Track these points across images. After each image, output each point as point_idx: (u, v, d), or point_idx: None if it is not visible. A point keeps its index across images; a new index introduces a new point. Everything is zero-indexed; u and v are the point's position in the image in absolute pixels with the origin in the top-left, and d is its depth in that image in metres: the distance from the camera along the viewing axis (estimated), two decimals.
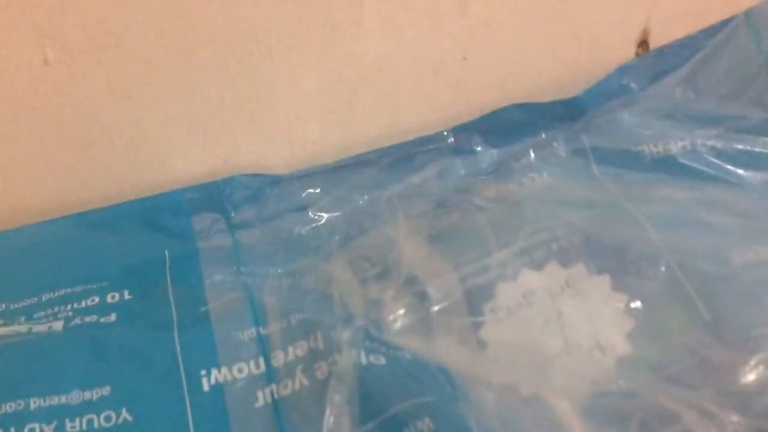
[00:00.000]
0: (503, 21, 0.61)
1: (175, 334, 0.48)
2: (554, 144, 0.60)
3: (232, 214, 0.56)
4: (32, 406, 0.43)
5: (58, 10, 0.54)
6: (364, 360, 0.46)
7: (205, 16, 0.57)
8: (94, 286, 0.51)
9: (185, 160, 0.60)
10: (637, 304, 0.48)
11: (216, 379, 0.47)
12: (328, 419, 0.44)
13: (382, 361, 0.46)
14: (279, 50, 0.59)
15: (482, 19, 0.62)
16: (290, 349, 0.48)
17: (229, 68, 0.59)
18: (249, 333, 0.49)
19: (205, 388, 0.46)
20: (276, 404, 0.46)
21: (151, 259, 0.53)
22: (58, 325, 0.47)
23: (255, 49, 0.59)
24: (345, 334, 0.47)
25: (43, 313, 0.49)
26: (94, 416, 0.44)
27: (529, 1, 0.63)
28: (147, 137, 0.58)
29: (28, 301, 0.50)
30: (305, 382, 0.47)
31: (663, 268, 0.49)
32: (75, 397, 0.44)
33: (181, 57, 0.57)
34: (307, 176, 0.58)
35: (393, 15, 0.61)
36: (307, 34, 0.59)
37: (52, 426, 0.43)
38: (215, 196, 0.57)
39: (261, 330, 0.49)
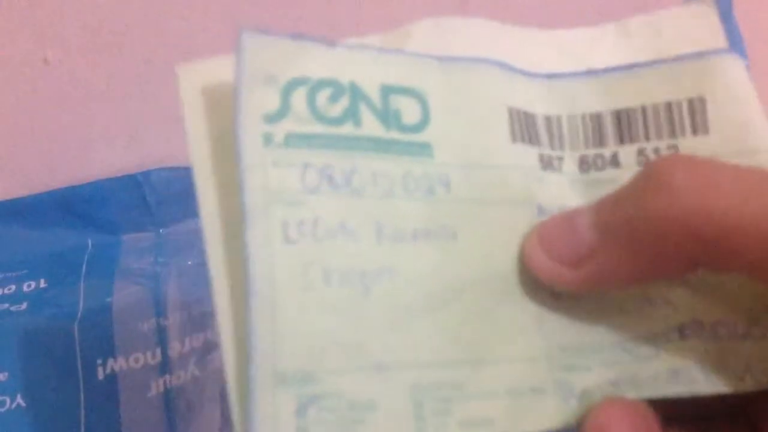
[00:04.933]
0: (503, 21, 0.57)
1: (76, 323, 0.46)
2: None
3: (156, 207, 0.54)
4: None
5: (58, 10, 0.54)
6: None
7: (205, 16, 0.56)
8: (14, 275, 0.50)
9: (185, 160, 0.58)
10: None
11: (112, 368, 0.45)
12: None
13: None
14: None
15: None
16: (187, 340, 0.46)
17: None
18: (149, 324, 0.47)
19: (100, 376, 0.45)
20: (167, 394, 0.45)
21: (73, 249, 0.51)
22: None
23: None
24: None
25: None
26: None
27: (529, 1, 0.59)
28: (147, 137, 0.57)
29: None
30: (197, 373, 0.45)
31: None
32: None
33: (182, 57, 0.55)
34: None
35: (393, 14, 0.58)
36: (306, 32, 0.56)
37: None
38: (138, 189, 0.54)
39: (161, 321, 0.47)
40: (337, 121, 0.28)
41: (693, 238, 0.24)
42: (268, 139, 0.27)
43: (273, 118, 0.27)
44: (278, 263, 0.26)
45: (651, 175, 0.25)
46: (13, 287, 0.49)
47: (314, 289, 0.26)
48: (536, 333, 0.28)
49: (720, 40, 0.32)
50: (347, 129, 0.28)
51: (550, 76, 0.31)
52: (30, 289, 0.49)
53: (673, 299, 0.29)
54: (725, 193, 0.24)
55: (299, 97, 0.28)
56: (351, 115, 0.28)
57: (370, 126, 0.28)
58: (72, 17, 0.54)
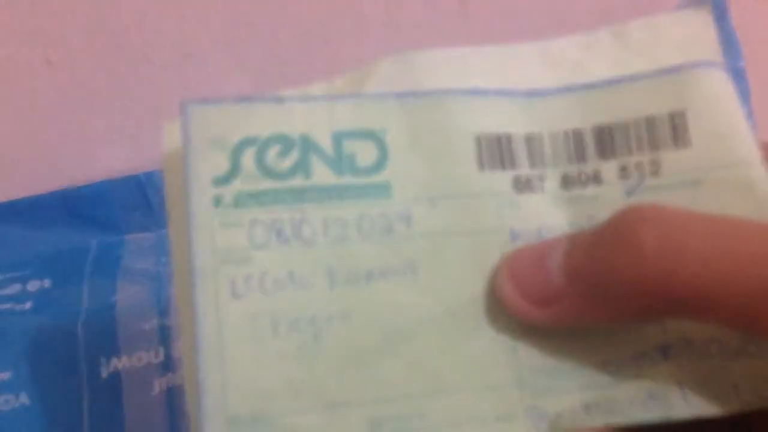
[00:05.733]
0: (504, 21, 0.57)
1: (80, 322, 0.46)
2: None
3: (159, 207, 0.54)
4: None
5: (61, 11, 0.54)
6: None
7: (206, 16, 0.56)
8: (18, 274, 0.50)
9: None
10: None
11: (115, 366, 0.45)
12: None
13: None
14: (280, 50, 0.57)
15: (483, 19, 0.58)
16: None
17: (230, 68, 0.57)
18: (152, 323, 0.47)
19: (104, 375, 0.45)
20: (170, 392, 0.45)
21: (76, 249, 0.52)
22: None
23: (256, 49, 0.57)
24: None
25: None
26: None
27: (530, 1, 0.58)
28: (149, 137, 0.57)
29: None
30: None
31: None
32: None
33: (182, 57, 0.56)
34: None
35: (394, 16, 0.58)
36: (307, 33, 0.56)
37: None
38: (141, 189, 0.54)
39: (164, 320, 0.47)
40: (287, 175, 0.29)
41: (661, 300, 0.25)
42: (218, 201, 0.28)
43: (222, 181, 0.28)
44: (225, 319, 0.27)
45: (622, 235, 0.25)
46: (18, 287, 0.49)
47: (262, 340, 0.27)
48: (508, 360, 0.29)
49: (715, 49, 0.32)
50: (297, 181, 0.29)
51: (530, 94, 0.31)
52: (34, 288, 0.49)
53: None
54: (693, 255, 0.24)
55: (248, 157, 0.29)
56: (301, 167, 0.29)
57: (321, 175, 0.29)
58: (74, 18, 0.54)
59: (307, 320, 0.28)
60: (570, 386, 0.28)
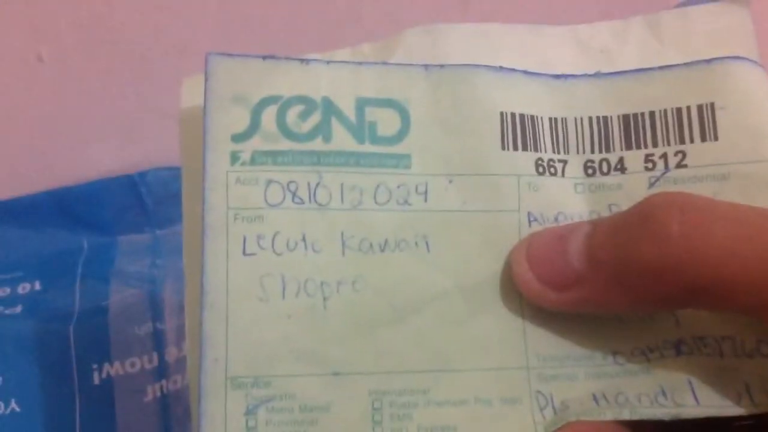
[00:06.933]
0: (505, 20, 0.56)
1: (71, 326, 0.46)
2: None
3: (152, 208, 0.53)
4: None
5: (53, 7, 0.53)
6: None
7: (202, 12, 0.55)
8: (8, 277, 0.49)
9: None
10: None
11: (108, 372, 0.45)
12: None
13: None
14: (278, 48, 0.56)
15: (484, 18, 0.57)
16: (184, 344, 0.44)
17: None
18: (146, 328, 0.47)
19: (96, 381, 0.44)
20: (164, 399, 0.44)
21: (68, 250, 0.51)
22: None
23: (253, 47, 0.56)
24: None
25: None
26: None
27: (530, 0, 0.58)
28: (143, 136, 0.56)
29: None
30: None
31: None
32: None
33: (178, 54, 0.55)
34: None
35: (393, 13, 0.57)
36: (306, 32, 0.56)
37: None
38: (134, 189, 0.53)
39: (158, 325, 0.47)
40: (307, 137, 0.29)
41: (684, 286, 0.24)
42: (235, 157, 0.28)
43: (241, 137, 0.28)
44: (233, 275, 0.27)
45: (647, 218, 0.25)
46: (8, 290, 0.48)
47: (270, 299, 0.27)
48: (517, 342, 0.28)
49: (751, 44, 0.31)
50: (316, 144, 0.29)
51: (558, 77, 0.31)
52: (25, 291, 0.48)
53: (678, 312, 0.28)
54: (719, 242, 0.24)
55: (269, 115, 0.29)
56: (321, 130, 0.29)
57: (341, 140, 0.29)
58: (67, 14, 0.54)
59: (317, 284, 0.28)
60: (578, 374, 0.28)
